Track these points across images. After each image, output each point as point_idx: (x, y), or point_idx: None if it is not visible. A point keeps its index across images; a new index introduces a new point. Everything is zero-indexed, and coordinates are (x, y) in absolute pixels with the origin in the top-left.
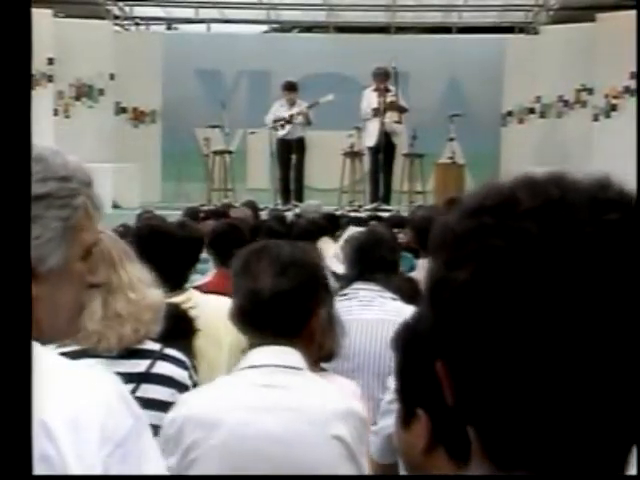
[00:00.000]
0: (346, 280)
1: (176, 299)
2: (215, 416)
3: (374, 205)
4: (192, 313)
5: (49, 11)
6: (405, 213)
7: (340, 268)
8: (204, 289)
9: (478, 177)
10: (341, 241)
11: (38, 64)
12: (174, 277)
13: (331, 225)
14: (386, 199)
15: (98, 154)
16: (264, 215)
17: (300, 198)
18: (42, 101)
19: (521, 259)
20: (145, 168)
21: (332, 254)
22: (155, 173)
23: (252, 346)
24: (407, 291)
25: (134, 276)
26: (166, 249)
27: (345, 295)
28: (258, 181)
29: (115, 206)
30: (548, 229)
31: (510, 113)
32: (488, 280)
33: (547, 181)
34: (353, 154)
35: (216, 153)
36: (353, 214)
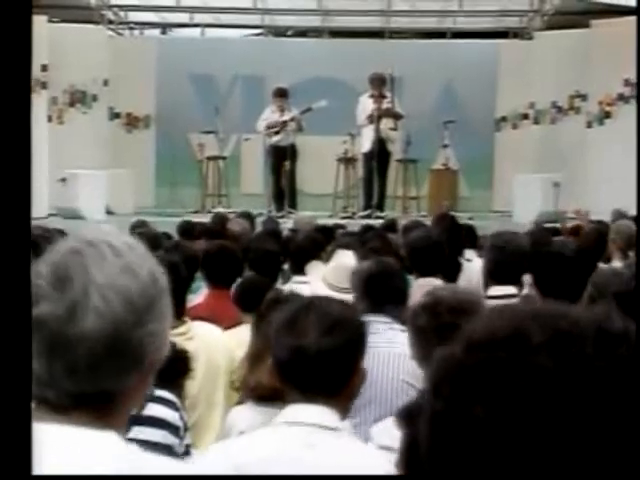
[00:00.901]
0: None
1: (176, 331)
2: (255, 468)
3: (368, 212)
4: (190, 346)
5: (44, 17)
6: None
7: (327, 293)
8: (196, 311)
9: (472, 182)
10: (330, 265)
11: (32, 71)
12: (174, 307)
13: (326, 239)
14: (380, 206)
15: (92, 160)
16: (258, 224)
17: (293, 204)
18: (36, 108)
19: (539, 395)
20: (139, 173)
21: (320, 278)
22: (149, 178)
23: (290, 401)
24: None
25: None
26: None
27: None
28: (252, 186)
29: (108, 212)
30: (562, 364)
31: (504, 118)
32: (506, 416)
33: (554, 313)
34: (347, 160)
35: (210, 159)
36: (346, 221)
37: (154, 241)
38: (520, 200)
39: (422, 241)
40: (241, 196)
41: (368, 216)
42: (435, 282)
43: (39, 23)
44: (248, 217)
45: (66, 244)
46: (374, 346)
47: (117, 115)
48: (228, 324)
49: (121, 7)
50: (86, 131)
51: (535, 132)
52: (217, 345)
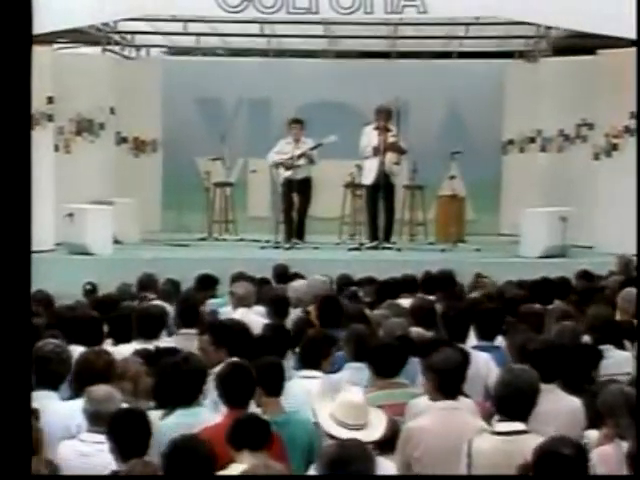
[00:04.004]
0: None
1: None
2: None
3: (374, 243)
4: None
5: (48, 48)
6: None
7: (337, 431)
8: (214, 431)
9: (479, 205)
10: (337, 402)
11: (38, 103)
12: None
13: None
14: (387, 237)
15: (99, 188)
16: (266, 261)
17: (301, 235)
18: (42, 139)
19: None
20: (146, 198)
21: (328, 414)
22: (156, 203)
23: None
24: None
25: None
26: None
27: None
28: (259, 209)
29: (116, 241)
30: None
31: (511, 142)
32: None
33: None
34: (354, 186)
35: (217, 185)
36: (354, 254)
37: (161, 323)
38: (527, 234)
39: (446, 364)
40: (248, 219)
41: (375, 247)
42: (458, 405)
43: (43, 54)
44: (243, 277)
45: None
46: None
47: (124, 139)
48: None
49: (128, 32)
50: (94, 160)
51: (542, 160)
52: None
